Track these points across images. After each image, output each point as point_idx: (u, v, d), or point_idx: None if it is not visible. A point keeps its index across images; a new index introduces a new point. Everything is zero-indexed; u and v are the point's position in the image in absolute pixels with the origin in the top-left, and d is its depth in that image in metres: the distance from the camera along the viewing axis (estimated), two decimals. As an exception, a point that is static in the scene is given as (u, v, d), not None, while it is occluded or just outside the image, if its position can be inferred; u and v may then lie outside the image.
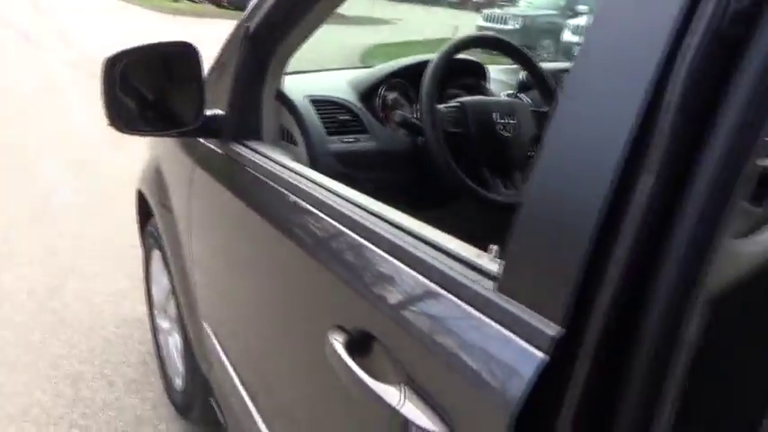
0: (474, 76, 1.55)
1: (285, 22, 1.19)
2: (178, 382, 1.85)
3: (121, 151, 3.84)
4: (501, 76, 1.71)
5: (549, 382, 0.51)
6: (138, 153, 2.15)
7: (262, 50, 1.25)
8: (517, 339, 0.53)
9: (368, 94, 1.45)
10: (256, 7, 1.24)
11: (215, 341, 1.39)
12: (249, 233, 1.14)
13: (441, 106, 1.34)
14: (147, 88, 1.24)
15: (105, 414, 1.93)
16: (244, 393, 1.21)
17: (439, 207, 1.40)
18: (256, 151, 1.19)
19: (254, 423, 1.13)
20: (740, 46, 0.44)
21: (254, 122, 1.28)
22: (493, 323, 0.56)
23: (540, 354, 0.51)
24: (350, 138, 1.37)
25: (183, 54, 1.19)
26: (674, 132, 0.46)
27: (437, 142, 1.24)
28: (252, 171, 1.15)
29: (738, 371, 0.62)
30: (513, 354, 0.53)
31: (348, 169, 1.33)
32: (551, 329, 0.51)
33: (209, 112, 1.25)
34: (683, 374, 0.52)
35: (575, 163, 0.51)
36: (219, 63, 1.38)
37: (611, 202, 0.48)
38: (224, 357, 1.33)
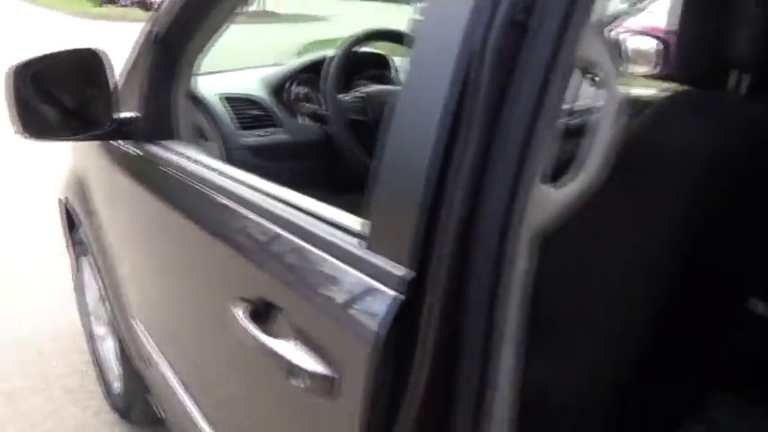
0: (378, 68, 1.65)
1: (189, 24, 1.25)
2: (117, 386, 1.87)
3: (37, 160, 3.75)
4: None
5: (408, 316, 0.60)
6: (55, 161, 2.15)
7: (170, 53, 1.31)
8: (381, 286, 0.63)
9: (279, 89, 1.53)
10: (162, 11, 1.30)
11: (147, 338, 1.43)
12: (167, 229, 1.19)
13: (346, 97, 1.43)
14: (56, 95, 1.28)
15: (45, 426, 1.93)
16: (176, 384, 1.27)
17: (355, 191, 1.49)
18: (172, 150, 1.25)
19: (189, 412, 1.19)
20: (526, 29, 0.55)
21: (168, 123, 1.33)
22: (363, 275, 0.65)
23: (396, 294, 0.60)
24: (263, 132, 1.44)
25: (89, 60, 1.23)
26: (486, 100, 0.56)
27: (342, 130, 1.33)
28: (167, 169, 1.20)
29: (570, 300, 0.73)
30: (378, 298, 0.62)
31: (263, 161, 1.41)
32: (405, 274, 0.60)
33: (122, 115, 1.29)
34: (520, 301, 0.62)
35: (410, 136, 0.61)
36: (131, 66, 1.42)
37: (441, 163, 0.58)
38: (156, 352, 1.38)
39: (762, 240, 0.92)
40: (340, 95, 1.42)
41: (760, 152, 0.72)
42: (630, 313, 0.74)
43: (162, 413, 1.53)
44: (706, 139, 0.68)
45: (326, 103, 1.38)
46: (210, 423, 1.10)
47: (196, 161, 1.14)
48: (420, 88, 0.61)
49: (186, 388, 1.22)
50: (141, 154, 1.31)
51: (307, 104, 1.47)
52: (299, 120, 1.51)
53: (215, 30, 1.26)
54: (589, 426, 0.84)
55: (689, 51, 0.75)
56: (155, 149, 1.28)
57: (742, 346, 1.17)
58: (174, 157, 1.20)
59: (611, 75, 0.59)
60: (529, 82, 0.55)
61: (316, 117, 1.45)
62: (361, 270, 0.65)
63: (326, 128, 1.45)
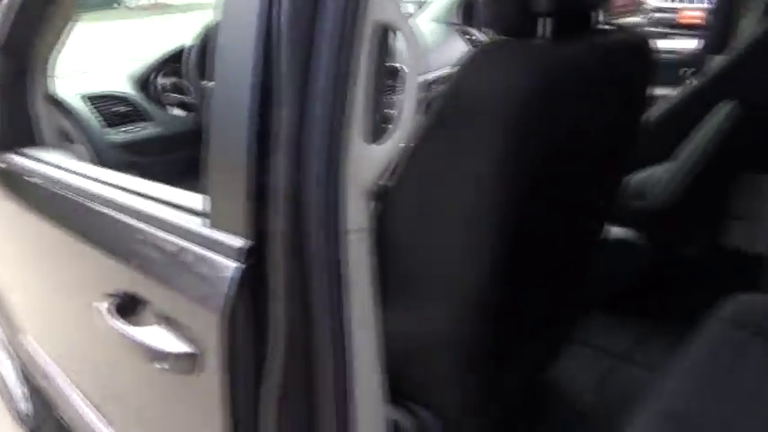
0: None
1: (31, 27, 1.20)
2: (25, 407, 1.81)
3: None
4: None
5: (253, 283, 0.64)
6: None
7: (17, 58, 1.26)
8: (224, 259, 0.65)
9: (145, 83, 1.50)
10: (2, 18, 1.24)
11: (41, 352, 1.39)
12: (36, 238, 1.16)
13: (210, 83, 1.42)
14: None
15: (-45, 460, 1.84)
16: (74, 393, 1.25)
17: None
18: (33, 157, 1.21)
19: (90, 421, 1.17)
20: None
21: (28, 129, 1.29)
22: (208, 252, 0.67)
23: (238, 264, 0.63)
24: (131, 127, 1.42)
25: None
26: (289, 70, 0.59)
27: None
28: (29, 177, 1.16)
29: (418, 251, 0.79)
30: (222, 271, 0.65)
31: (137, 158, 1.38)
32: (243, 244, 0.63)
33: None
34: (365, 256, 0.66)
35: (228, 113, 0.64)
36: None
37: (258, 135, 0.61)
38: (51, 365, 1.34)
39: (596, 171, 1.01)
40: (205, 82, 1.42)
41: (568, 90, 0.79)
42: (478, 256, 0.80)
43: (69, 425, 1.50)
44: (519, 84, 0.74)
45: (193, 92, 1.37)
46: (110, 423, 1.10)
47: (56, 165, 1.11)
48: (229, 66, 0.63)
49: (83, 395, 1.21)
50: (2, 165, 1.26)
51: (172, 95, 1.45)
52: (169, 111, 1.49)
53: (61, 30, 1.22)
54: (463, 366, 0.90)
55: (499, 2, 0.81)
56: (15, 158, 1.23)
57: (605, 270, 1.28)
58: (34, 164, 1.16)
59: (409, 35, 0.63)
60: (327, 48, 0.58)
61: (184, 107, 1.44)
62: (207, 247, 0.68)
63: (196, 116, 1.44)
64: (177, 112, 1.49)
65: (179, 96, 1.45)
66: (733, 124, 1.41)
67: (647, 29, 6.33)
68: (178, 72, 1.52)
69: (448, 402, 0.93)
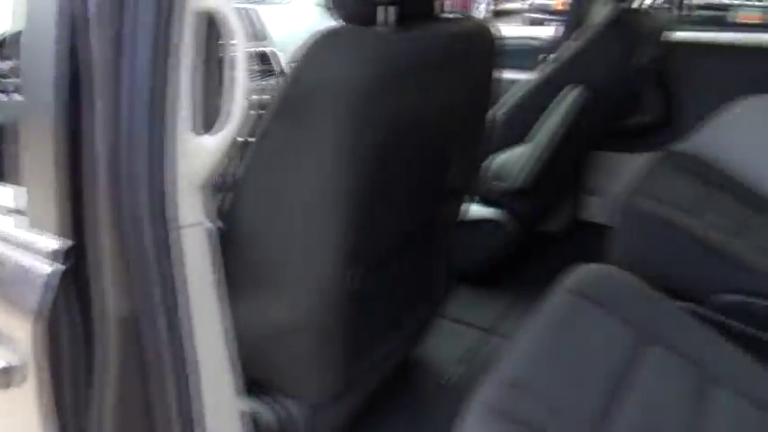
0: None
1: None
2: None
3: None
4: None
5: (76, 283, 0.60)
6: None
7: None
8: (42, 262, 0.61)
9: (-21, 67, 1.35)
10: None
11: None
12: None
13: None
14: None
15: None
16: None
17: None
18: None
19: None
20: None
21: None
22: (25, 255, 0.63)
23: (57, 266, 0.60)
24: None
25: None
26: (101, 60, 0.55)
27: None
28: None
29: (269, 241, 0.78)
30: (40, 274, 0.61)
31: None
32: (62, 245, 0.59)
33: None
34: (205, 250, 0.64)
35: (36, 106, 0.59)
36: None
37: (72, 128, 0.57)
38: None
39: (444, 154, 1.04)
40: None
41: (408, 76, 0.81)
42: (327, 242, 0.80)
43: None
44: (358, 71, 0.74)
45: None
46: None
47: None
48: (34, 55, 0.59)
49: None
50: None
51: (8, 80, 1.33)
52: (6, 98, 1.36)
53: None
54: (323, 351, 0.90)
55: None
56: None
57: (471, 247, 1.34)
58: None
59: (233, 22, 0.61)
60: (141, 38, 0.55)
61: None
62: (24, 249, 0.63)
63: None
64: (18, 98, 1.36)
65: (17, 82, 1.32)
66: (581, 107, 1.51)
67: (527, 15, 6.65)
68: (17, 55, 1.39)
69: (310, 389, 0.93)
